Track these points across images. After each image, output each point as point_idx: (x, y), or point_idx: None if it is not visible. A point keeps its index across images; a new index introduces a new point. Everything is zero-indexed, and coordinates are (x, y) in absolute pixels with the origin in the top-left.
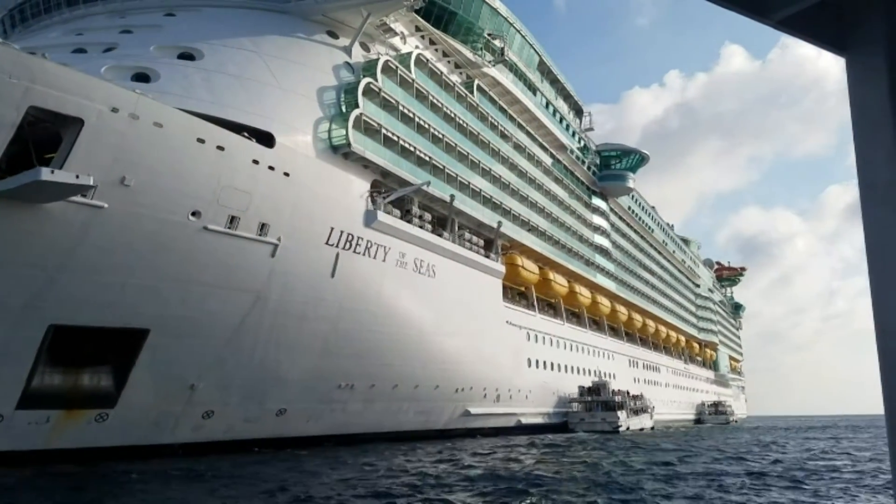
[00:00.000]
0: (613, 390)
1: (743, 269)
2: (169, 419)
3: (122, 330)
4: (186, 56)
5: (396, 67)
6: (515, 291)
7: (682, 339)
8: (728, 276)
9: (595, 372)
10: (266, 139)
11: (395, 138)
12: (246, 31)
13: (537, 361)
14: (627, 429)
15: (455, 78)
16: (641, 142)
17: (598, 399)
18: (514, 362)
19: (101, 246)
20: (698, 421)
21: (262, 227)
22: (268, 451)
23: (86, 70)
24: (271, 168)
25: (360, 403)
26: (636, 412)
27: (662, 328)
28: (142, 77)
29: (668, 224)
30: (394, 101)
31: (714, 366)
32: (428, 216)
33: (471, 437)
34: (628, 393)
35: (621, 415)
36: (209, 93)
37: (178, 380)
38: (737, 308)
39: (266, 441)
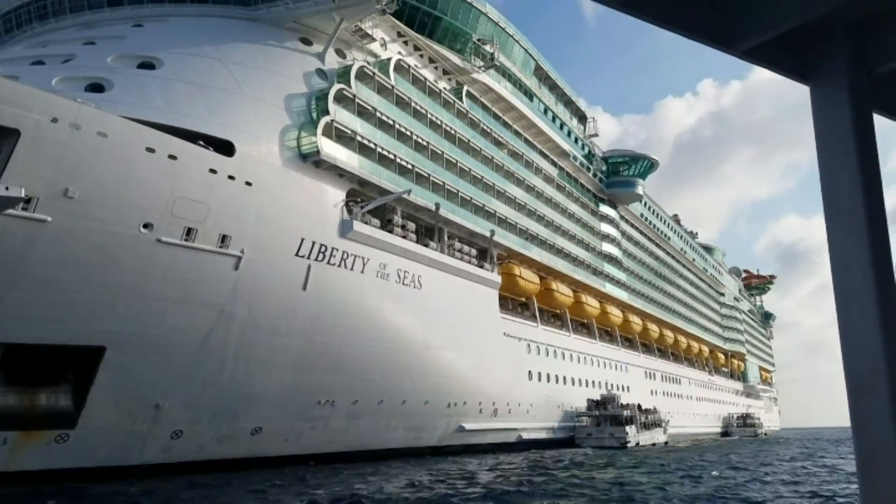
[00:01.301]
0: (622, 404)
1: (772, 277)
2: (135, 439)
3: (75, 347)
4: (147, 65)
5: (374, 73)
6: (517, 302)
7: (706, 349)
8: (757, 284)
9: (606, 385)
10: (225, 148)
11: (373, 146)
12: (212, 40)
13: (539, 374)
14: (637, 444)
15: (443, 84)
16: (674, 151)
17: (606, 413)
18: (513, 375)
19: (49, 260)
20: (725, 434)
21: (223, 239)
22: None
23: (37, 81)
24: (231, 177)
25: (342, 420)
26: (647, 427)
27: (683, 338)
28: (96, 87)
29: (689, 232)
30: (370, 108)
31: (742, 377)
32: (412, 226)
33: (469, 455)
34: (640, 406)
35: (630, 430)
36: (165, 101)
37: (142, 399)
38: (767, 317)
39: (250, 461)
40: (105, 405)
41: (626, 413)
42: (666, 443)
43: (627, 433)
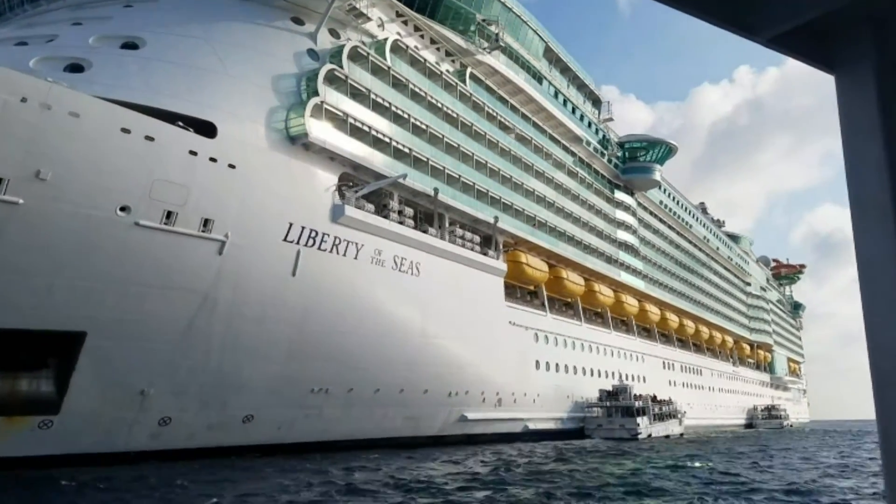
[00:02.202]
0: (634, 395)
1: (802, 266)
2: (122, 426)
3: (55, 333)
4: (130, 46)
5: (368, 54)
6: (525, 291)
7: (730, 340)
8: (786, 273)
9: (621, 375)
10: (207, 129)
11: (366, 129)
12: (200, 19)
13: (548, 364)
14: (649, 436)
15: (446, 67)
16: (709, 140)
17: (617, 404)
18: (519, 365)
19: (22, 244)
20: (749, 425)
21: (206, 223)
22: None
23: (16, 62)
24: (213, 160)
25: (337, 409)
26: (661, 418)
27: (704, 329)
28: (76, 68)
29: (716, 220)
30: (364, 90)
31: (769, 368)
32: (410, 211)
33: (472, 445)
34: (654, 397)
35: (641, 420)
36: (144, 81)
37: (126, 385)
38: (796, 307)
39: (245, 448)
40: (89, 391)
41: (637, 404)
42: (681, 434)
43: (639, 424)
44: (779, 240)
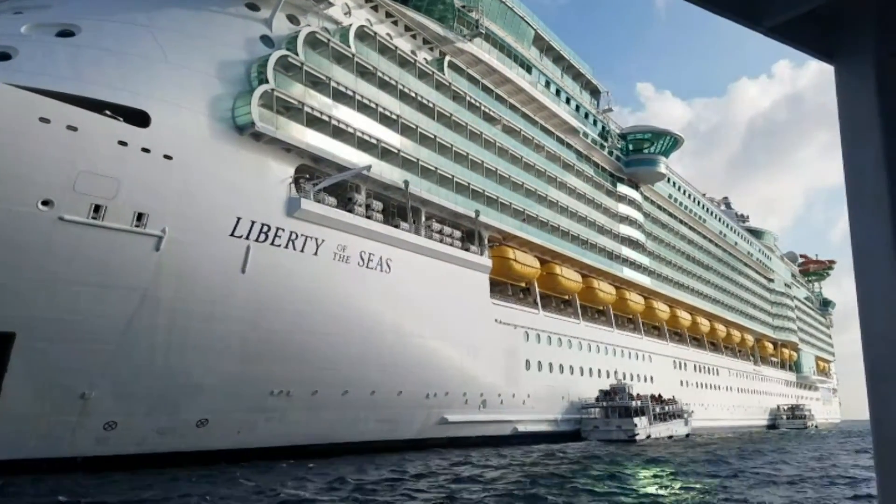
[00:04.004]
0: (632, 394)
1: (832, 262)
2: (63, 430)
3: None
4: (66, 34)
5: (328, 41)
6: (518, 288)
7: (750, 338)
8: (815, 269)
9: (625, 375)
10: (140, 118)
11: (326, 118)
12: (145, 7)
13: (539, 363)
14: (648, 437)
15: (423, 55)
16: (747, 137)
17: (613, 404)
18: (508, 365)
19: None
20: (772, 426)
21: (140, 217)
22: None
23: None
24: (145, 150)
25: (302, 412)
26: (664, 418)
27: (721, 327)
28: (2, 56)
29: (739, 215)
30: (324, 78)
31: (795, 367)
32: (378, 205)
33: (456, 448)
34: (658, 397)
35: (640, 421)
36: (73, 69)
37: (64, 387)
38: (826, 304)
39: (207, 454)
40: (24, 394)
41: (636, 404)
42: (687, 435)
43: (636, 425)
44: (818, 237)
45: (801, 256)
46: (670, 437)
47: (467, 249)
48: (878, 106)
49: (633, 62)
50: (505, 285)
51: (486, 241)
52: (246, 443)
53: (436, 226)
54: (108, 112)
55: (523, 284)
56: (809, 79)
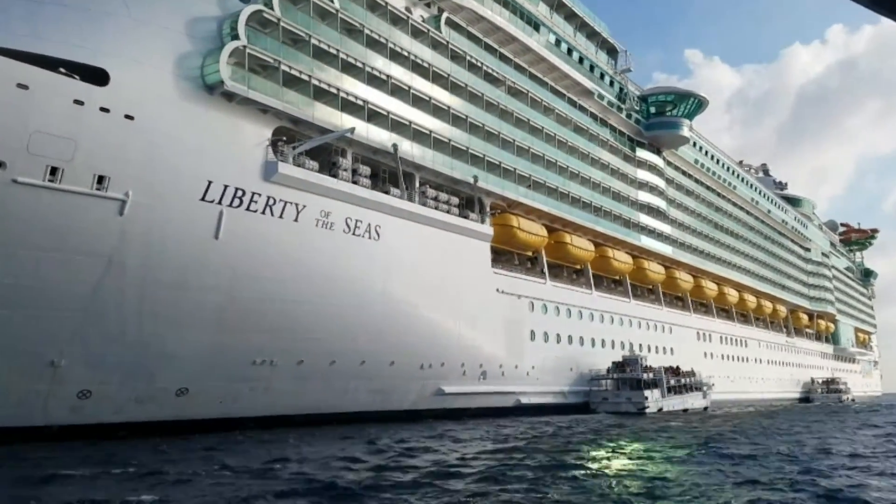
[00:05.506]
0: (645, 366)
1: (874, 231)
2: (35, 399)
3: None
4: None
5: None
6: (524, 257)
7: (783, 309)
8: (857, 238)
9: (641, 347)
10: (99, 77)
11: (305, 78)
12: None
13: (546, 334)
14: (660, 410)
15: (420, 13)
16: (796, 104)
17: (624, 376)
18: (511, 335)
19: None
20: (806, 399)
21: (100, 181)
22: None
23: None
24: (104, 109)
25: (288, 382)
26: (679, 391)
27: (751, 297)
28: None
29: (777, 182)
30: (304, 35)
31: (833, 339)
32: (366, 170)
33: (453, 419)
34: (676, 369)
35: (651, 394)
36: (28, 25)
37: (32, 355)
38: (867, 274)
39: (190, 423)
40: None
41: (648, 376)
42: (705, 409)
43: (647, 398)
44: (871, 207)
45: (843, 225)
46: (685, 410)
47: (466, 217)
48: None
49: (682, 27)
50: (511, 254)
51: (487, 209)
52: (229, 412)
53: (431, 192)
54: (62, 70)
55: (530, 253)
56: (864, 44)
